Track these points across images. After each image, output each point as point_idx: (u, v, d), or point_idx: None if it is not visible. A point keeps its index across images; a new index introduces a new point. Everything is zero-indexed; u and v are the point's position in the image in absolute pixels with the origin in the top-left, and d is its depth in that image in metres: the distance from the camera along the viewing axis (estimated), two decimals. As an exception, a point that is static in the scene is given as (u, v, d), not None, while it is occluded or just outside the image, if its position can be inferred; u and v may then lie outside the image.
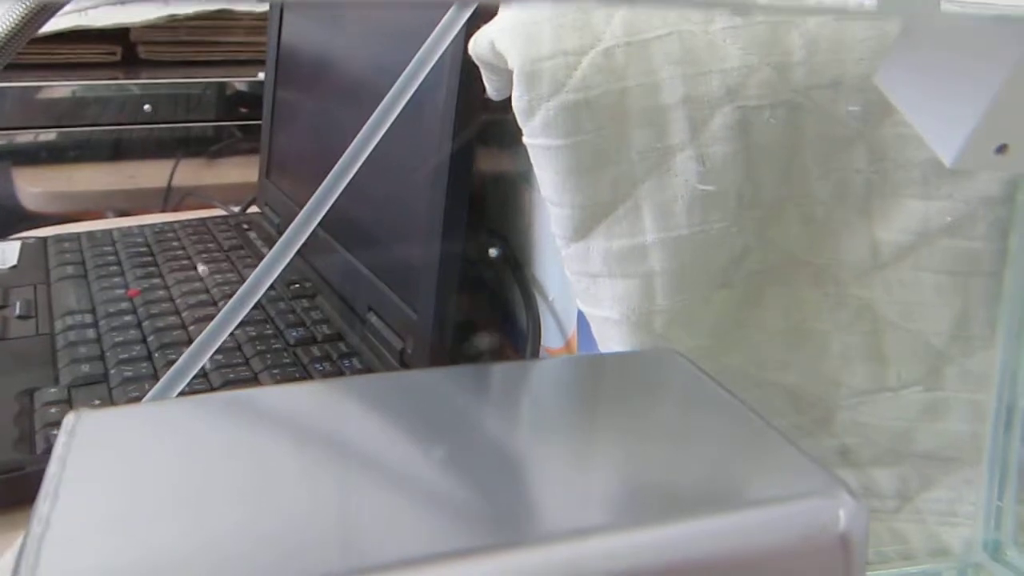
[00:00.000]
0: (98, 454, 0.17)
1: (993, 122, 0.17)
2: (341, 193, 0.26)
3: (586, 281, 0.29)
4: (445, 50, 0.26)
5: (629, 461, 0.16)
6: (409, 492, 0.16)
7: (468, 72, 0.34)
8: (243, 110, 0.89)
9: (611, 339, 0.29)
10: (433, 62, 0.25)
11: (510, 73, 0.28)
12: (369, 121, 0.26)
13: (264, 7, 0.72)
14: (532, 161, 0.29)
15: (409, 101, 0.27)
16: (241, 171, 0.80)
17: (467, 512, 0.15)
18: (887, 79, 0.19)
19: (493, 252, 0.36)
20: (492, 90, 0.33)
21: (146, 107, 0.80)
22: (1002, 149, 0.18)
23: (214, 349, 0.27)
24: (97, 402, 0.37)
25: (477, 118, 0.37)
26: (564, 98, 0.27)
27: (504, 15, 0.29)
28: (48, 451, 0.16)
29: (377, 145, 0.27)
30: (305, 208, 0.26)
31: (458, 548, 0.14)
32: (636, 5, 0.26)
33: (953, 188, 0.27)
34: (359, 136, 0.25)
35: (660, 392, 0.19)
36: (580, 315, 0.33)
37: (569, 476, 0.16)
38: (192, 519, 0.15)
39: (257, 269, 0.26)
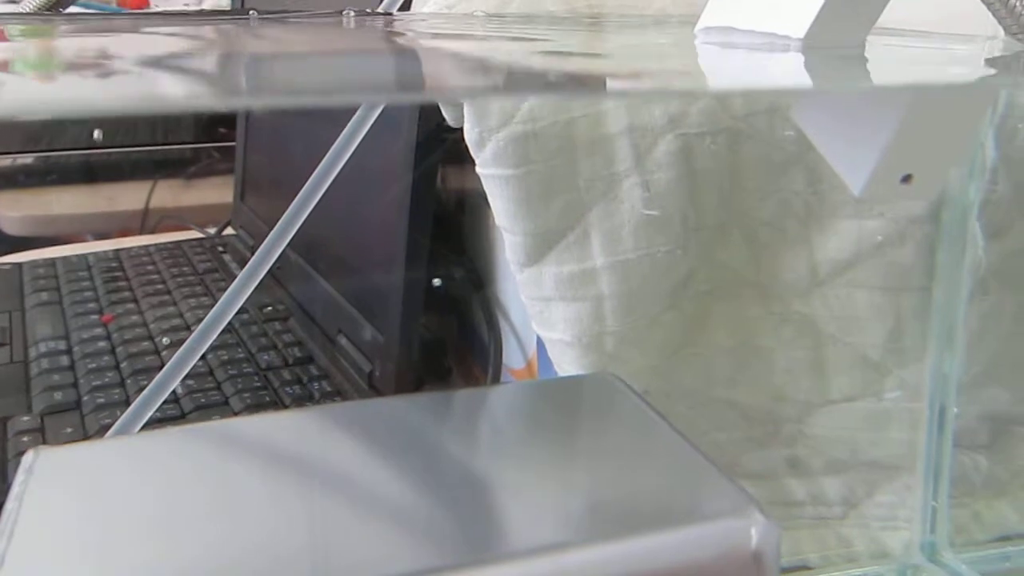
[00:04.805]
0: (56, 492, 0.18)
1: (896, 155, 0.18)
2: (311, 216, 0.27)
3: (540, 305, 0.30)
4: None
5: (556, 486, 0.17)
6: (366, 517, 0.17)
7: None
8: (220, 131, 0.90)
9: (565, 360, 0.30)
10: (350, 153, 0.26)
11: (462, 105, 0.29)
12: (304, 187, 0.27)
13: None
14: (485, 189, 0.30)
15: (371, 130, 0.28)
16: (219, 192, 0.81)
17: (412, 532, 0.16)
18: (801, 115, 0.20)
19: (445, 278, 0.37)
20: (450, 118, 0.34)
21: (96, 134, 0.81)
22: (907, 179, 0.19)
23: (181, 377, 0.28)
24: (69, 430, 0.38)
25: (438, 143, 0.38)
26: (513, 129, 0.28)
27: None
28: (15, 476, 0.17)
29: (343, 174, 0.28)
30: (262, 247, 0.26)
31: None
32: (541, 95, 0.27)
33: (884, 207, 0.28)
34: (300, 195, 0.26)
35: (593, 417, 0.20)
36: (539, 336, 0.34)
37: (496, 500, 0.17)
38: (150, 555, 0.16)
39: (219, 303, 0.27)
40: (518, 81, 0.20)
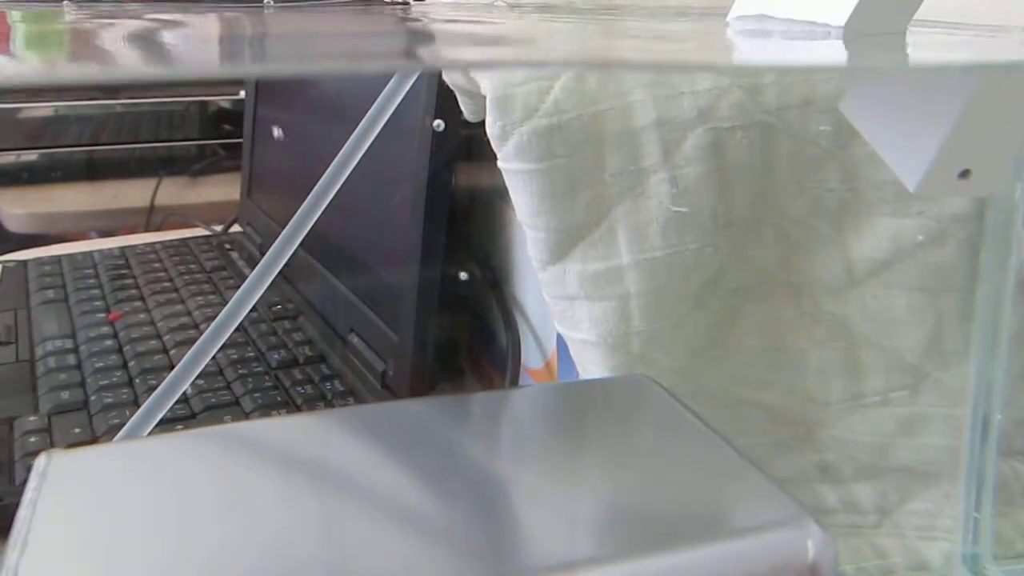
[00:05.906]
0: (69, 498, 0.17)
1: (955, 148, 0.18)
2: (323, 214, 0.27)
3: (563, 304, 0.29)
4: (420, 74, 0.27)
5: (601, 495, 0.16)
6: (388, 524, 0.16)
7: (445, 94, 0.34)
8: (226, 127, 0.89)
9: (589, 361, 0.29)
10: (380, 126, 0.25)
11: (484, 98, 0.28)
12: (325, 176, 0.26)
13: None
14: (507, 185, 0.29)
15: (386, 125, 0.27)
16: (224, 189, 0.80)
17: (439, 544, 0.15)
18: (851, 108, 0.19)
19: (463, 276, 0.36)
20: (468, 113, 0.34)
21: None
22: (965, 174, 0.18)
23: (192, 379, 0.27)
24: (77, 430, 0.37)
25: (455, 141, 0.37)
26: (537, 123, 0.27)
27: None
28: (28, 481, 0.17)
29: (356, 168, 0.27)
30: (275, 244, 0.26)
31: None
32: (578, 67, 0.26)
33: (924, 206, 0.27)
34: (319, 184, 0.26)
35: (632, 422, 0.19)
36: (560, 335, 0.33)
37: (540, 510, 0.16)
38: (164, 562, 0.15)
39: (231, 301, 0.26)
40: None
